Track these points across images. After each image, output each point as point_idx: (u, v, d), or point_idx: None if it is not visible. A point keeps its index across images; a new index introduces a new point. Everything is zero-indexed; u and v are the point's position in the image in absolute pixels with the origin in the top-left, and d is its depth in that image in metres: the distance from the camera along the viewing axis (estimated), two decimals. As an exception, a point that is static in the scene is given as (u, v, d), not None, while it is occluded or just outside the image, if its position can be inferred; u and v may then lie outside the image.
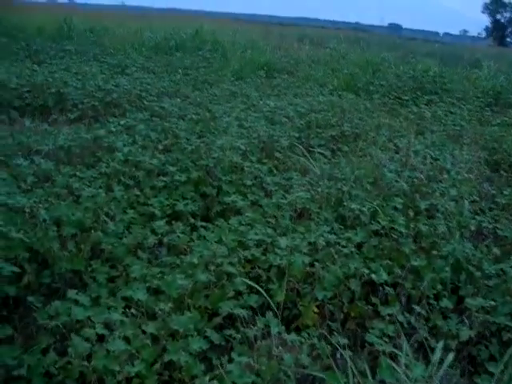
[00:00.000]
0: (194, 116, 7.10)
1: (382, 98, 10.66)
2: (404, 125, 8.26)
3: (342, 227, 4.11)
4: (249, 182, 4.91)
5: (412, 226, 4.17)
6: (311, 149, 6.44)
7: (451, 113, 9.77)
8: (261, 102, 8.63)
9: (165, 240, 3.97)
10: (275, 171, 5.35)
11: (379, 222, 4.16)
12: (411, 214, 4.40)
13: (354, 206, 4.21)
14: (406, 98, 10.93)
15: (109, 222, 3.94)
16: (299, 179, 4.96)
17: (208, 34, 18.16)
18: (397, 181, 4.83)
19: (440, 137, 7.69)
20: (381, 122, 8.17)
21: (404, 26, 56.24)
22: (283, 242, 3.74)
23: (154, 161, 5.05)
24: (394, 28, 56.91)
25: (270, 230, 3.96)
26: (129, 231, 3.97)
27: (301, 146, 6.33)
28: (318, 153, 6.27)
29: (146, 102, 7.95)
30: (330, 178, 5.00)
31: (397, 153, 6.34)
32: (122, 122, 6.26)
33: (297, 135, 6.73)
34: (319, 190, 4.64)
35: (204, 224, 4.30)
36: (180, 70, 11.69)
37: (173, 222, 4.32)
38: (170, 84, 9.81)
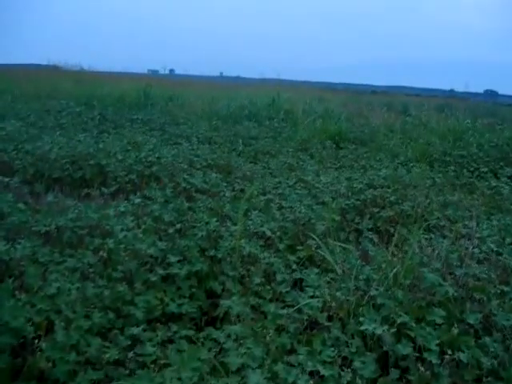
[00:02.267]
0: (227, 194, 6.35)
1: (457, 171, 9.58)
2: (477, 203, 7.17)
3: (353, 351, 3.16)
4: (257, 280, 4.03)
5: (449, 353, 3.13)
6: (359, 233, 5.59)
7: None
8: (315, 177, 7.78)
9: (129, 355, 3.17)
10: (294, 266, 4.43)
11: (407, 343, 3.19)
12: (454, 332, 3.34)
13: (368, 326, 3.23)
14: (485, 169, 9.79)
15: (58, 332, 3.17)
16: (317, 279, 4.02)
17: (285, 103, 17.62)
18: (441, 284, 3.80)
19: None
20: (448, 200, 7.13)
21: (501, 92, 53.73)
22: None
23: (151, 249, 4.29)
24: (490, 94, 54.75)
25: (259, 351, 3.07)
26: (86, 342, 3.19)
27: (347, 230, 5.51)
28: (366, 238, 5.40)
29: (185, 176, 7.27)
30: (360, 276, 4.06)
31: (457, 239, 5.30)
32: (136, 201, 5.56)
33: (340, 217, 5.84)
34: (338, 294, 3.70)
35: (191, 333, 3.50)
36: (241, 141, 11.05)
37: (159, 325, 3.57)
38: (221, 156, 9.12)
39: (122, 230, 4.60)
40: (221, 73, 66.27)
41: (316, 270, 4.20)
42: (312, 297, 3.71)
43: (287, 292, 3.92)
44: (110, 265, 4.20)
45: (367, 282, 3.90)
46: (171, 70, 70.57)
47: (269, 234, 5.00)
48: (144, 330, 3.49)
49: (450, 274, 4.20)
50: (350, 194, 6.91)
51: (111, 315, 3.63)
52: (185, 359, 2.93)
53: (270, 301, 3.84)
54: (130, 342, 3.32)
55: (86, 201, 6.57)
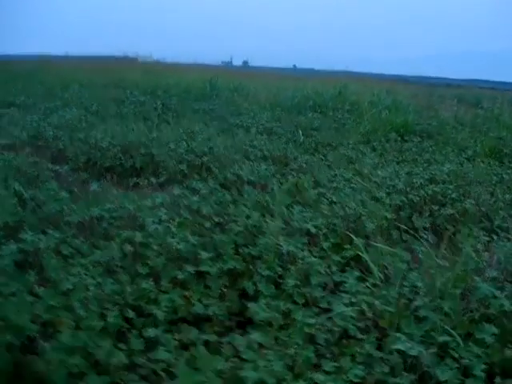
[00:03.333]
0: (275, 187, 6.01)
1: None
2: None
3: (386, 371, 2.76)
4: (291, 282, 3.67)
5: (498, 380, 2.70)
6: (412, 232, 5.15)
7: None
8: (373, 171, 7.34)
9: (141, 360, 2.89)
10: (334, 268, 4.02)
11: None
12: (507, 354, 2.90)
13: (401, 346, 2.81)
14: (561, 167, 9.08)
15: (63, 331, 2.90)
16: (355, 284, 3.61)
17: (352, 94, 17.09)
18: (495, 296, 3.34)
19: None
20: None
21: None
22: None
23: (181, 245, 3.99)
24: None
25: (279, 366, 2.73)
26: (95, 344, 2.92)
27: (402, 228, 5.10)
28: (419, 238, 4.96)
29: (235, 167, 6.96)
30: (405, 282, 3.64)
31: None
32: (176, 192, 5.29)
33: (394, 215, 5.42)
34: (377, 302, 3.30)
35: (214, 338, 3.19)
36: (301, 132, 10.65)
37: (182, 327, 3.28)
38: (278, 147, 8.75)
39: (153, 222, 4.33)
40: (294, 65, 65.80)
41: (357, 274, 3.81)
42: (351, 304, 3.33)
43: (322, 297, 3.55)
44: (136, 260, 3.95)
45: (413, 290, 3.48)
46: (245, 62, 70.61)
47: (313, 231, 4.64)
48: (166, 332, 3.22)
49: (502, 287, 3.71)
50: (408, 189, 6.44)
51: (131, 314, 3.37)
52: (190, 371, 2.61)
53: (303, 306, 3.48)
54: (143, 346, 3.04)
55: (134, 190, 6.41)
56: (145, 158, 7.60)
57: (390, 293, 3.39)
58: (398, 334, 2.91)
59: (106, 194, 5.69)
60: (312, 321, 3.12)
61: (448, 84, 46.20)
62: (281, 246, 4.06)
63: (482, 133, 11.94)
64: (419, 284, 3.47)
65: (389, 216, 5.18)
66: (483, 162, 9.04)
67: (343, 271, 3.96)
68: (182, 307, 3.53)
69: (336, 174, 7.05)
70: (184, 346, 3.12)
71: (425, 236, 5.03)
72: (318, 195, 5.81)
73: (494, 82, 48.26)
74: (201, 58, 33.48)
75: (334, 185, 6.43)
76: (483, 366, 2.73)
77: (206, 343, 3.14)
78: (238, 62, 66.04)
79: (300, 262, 3.95)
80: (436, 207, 6.07)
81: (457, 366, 2.76)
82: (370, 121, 12.38)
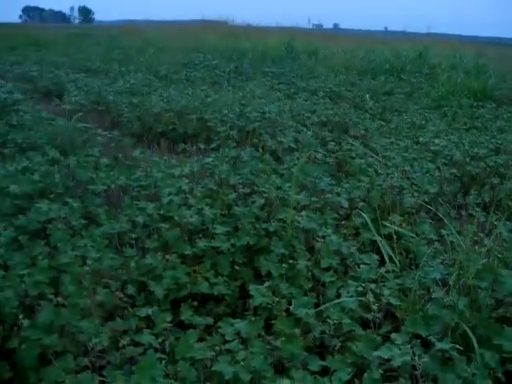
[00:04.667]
0: (319, 155, 5.67)
1: None
2: None
3: (376, 377, 2.43)
4: (302, 264, 3.35)
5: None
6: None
7: None
8: (433, 139, 6.84)
9: (122, 343, 2.69)
10: (353, 248, 3.66)
11: None
12: None
13: (384, 353, 2.45)
14: None
15: (43, 309, 2.74)
16: (367, 270, 3.26)
17: (435, 57, 16.29)
18: None
19: None
20: None
21: None
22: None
23: (194, 218, 3.75)
24: None
25: (259, 361, 2.46)
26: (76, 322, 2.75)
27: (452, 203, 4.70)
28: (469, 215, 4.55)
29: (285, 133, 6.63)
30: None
31: None
32: (208, 160, 5.04)
33: (439, 189, 4.98)
34: (386, 292, 2.96)
35: (209, 321, 2.96)
36: (368, 96, 10.17)
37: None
38: (337, 112, 8.34)
39: (169, 193, 4.11)
40: (385, 27, 64.14)
41: (376, 258, 3.46)
42: (357, 293, 3.00)
43: (332, 282, 3.23)
44: (145, 233, 3.75)
45: (433, 281, 3.09)
46: (335, 25, 69.70)
47: (345, 205, 4.31)
48: (164, 311, 3.03)
49: None
50: (467, 159, 5.95)
51: (132, 290, 3.19)
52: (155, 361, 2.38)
53: (309, 292, 3.19)
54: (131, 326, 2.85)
55: (180, 157, 6.24)
56: (197, 123, 7.39)
57: (405, 282, 3.04)
58: (393, 335, 2.57)
59: (147, 161, 5.50)
60: (304, 312, 2.80)
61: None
62: (299, 222, 3.74)
63: None
64: (436, 275, 3.05)
65: (432, 190, 4.75)
66: None
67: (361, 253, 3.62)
68: (187, 285, 3.31)
69: (392, 142, 6.62)
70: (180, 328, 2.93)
71: (475, 214, 4.58)
72: (366, 165, 5.43)
73: None
74: (291, 21, 32.75)
75: (388, 153, 6.02)
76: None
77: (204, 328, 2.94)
78: (329, 25, 65.07)
79: (320, 240, 3.64)
80: (497, 181, 5.58)
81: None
82: (445, 85, 11.71)
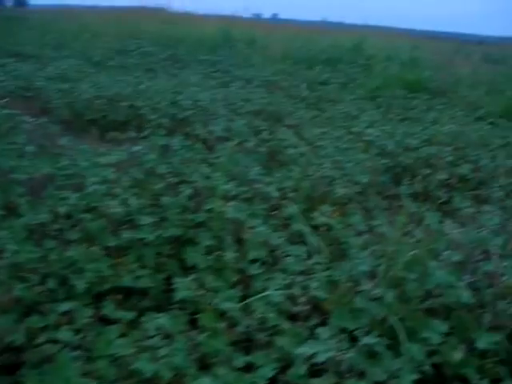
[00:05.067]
0: (250, 144, 5.59)
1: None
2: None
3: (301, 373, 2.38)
4: (229, 255, 3.27)
5: None
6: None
7: None
8: (367, 129, 6.85)
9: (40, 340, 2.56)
10: (282, 240, 3.59)
11: None
12: (456, 357, 2.49)
13: (305, 349, 2.41)
14: None
15: None
16: (296, 262, 3.20)
17: (371, 49, 16.41)
18: (452, 285, 2.88)
19: None
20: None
21: None
22: None
23: (119, 208, 3.63)
24: None
25: (181, 358, 2.37)
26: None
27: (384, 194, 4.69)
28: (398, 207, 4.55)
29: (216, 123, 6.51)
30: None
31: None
32: (136, 148, 4.90)
33: (372, 179, 4.98)
34: (313, 285, 2.91)
35: (131, 316, 2.85)
36: (305, 86, 10.15)
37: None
38: (272, 101, 8.29)
39: (93, 183, 3.96)
40: (324, 18, 64.48)
41: (305, 249, 3.41)
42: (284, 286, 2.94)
43: (259, 274, 3.16)
44: (68, 224, 3.60)
45: (363, 273, 3.05)
46: (274, 15, 69.85)
47: (275, 195, 4.25)
48: (86, 306, 2.90)
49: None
50: (400, 150, 5.99)
51: (52, 284, 3.05)
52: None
53: (234, 285, 3.11)
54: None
55: (112, 145, 6.06)
56: (129, 110, 7.21)
57: (333, 274, 3.00)
58: (318, 330, 2.52)
59: (74, 150, 5.31)
60: (229, 306, 2.73)
61: (480, 41, 44.85)
62: (225, 211, 3.66)
63: (499, 92, 11.28)
64: (364, 267, 3.01)
65: (364, 180, 4.73)
66: (493, 123, 8.52)
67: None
68: (111, 278, 3.19)
69: (325, 132, 6.60)
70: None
71: (407, 204, 4.60)
72: (298, 155, 5.38)
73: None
74: (231, 10, 32.26)
75: (321, 143, 6.00)
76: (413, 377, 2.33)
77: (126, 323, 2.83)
78: (268, 15, 65.31)
79: (248, 231, 3.57)
80: (429, 171, 5.64)
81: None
82: (380, 76, 11.80)
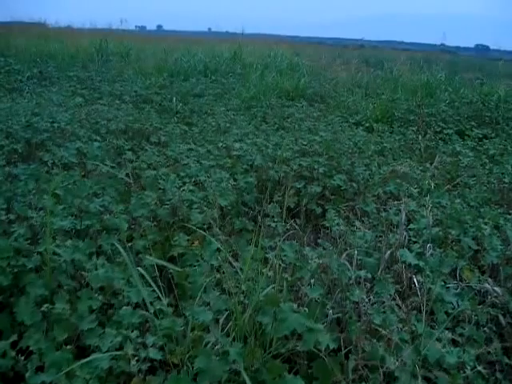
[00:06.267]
0: (104, 169, 5.07)
1: (418, 132, 8.26)
2: (429, 174, 5.86)
3: None
4: (59, 307, 2.75)
5: None
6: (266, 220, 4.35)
7: (509, 153, 7.22)
8: (234, 144, 6.45)
9: None
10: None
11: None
12: None
13: None
14: (450, 131, 8.46)
15: None
16: (133, 312, 2.71)
17: (249, 57, 16.19)
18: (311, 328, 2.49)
19: (477, 197, 5.26)
20: (398, 171, 5.84)
21: (492, 47, 51.57)
22: None
23: None
24: (481, 49, 53.39)
25: None
26: None
27: (249, 215, 4.32)
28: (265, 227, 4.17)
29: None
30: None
31: (390, 230, 4.03)
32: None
33: (238, 199, 4.58)
34: (149, 341, 2.46)
35: None
36: (175, 99, 9.65)
37: None
38: (139, 118, 7.77)
39: None
40: (209, 28, 64.43)
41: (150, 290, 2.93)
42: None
43: (91, 330, 2.66)
44: None
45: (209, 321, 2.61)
46: (159, 26, 69.57)
47: (124, 227, 3.76)
48: None
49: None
50: (270, 164, 5.63)
51: None
52: None
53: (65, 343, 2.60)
54: None
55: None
56: (-24, 135, 6.49)
57: (174, 325, 2.54)
58: None
59: None
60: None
61: (361, 45, 46.17)
62: (60, 254, 3.14)
63: (377, 95, 11.24)
64: (206, 316, 2.56)
65: (224, 203, 4.30)
66: (368, 128, 8.39)
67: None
68: None
69: (191, 148, 6.17)
70: None
71: (272, 225, 4.22)
72: (157, 177, 4.91)
73: (409, 44, 48.80)
74: (113, 23, 31.29)
75: (185, 161, 5.56)
76: None
77: None
78: (153, 27, 64.77)
79: (87, 275, 3.07)
80: (301, 184, 5.32)
81: None
82: (256, 85, 11.51)
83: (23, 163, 5.52)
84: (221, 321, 2.53)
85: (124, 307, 2.68)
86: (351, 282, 2.93)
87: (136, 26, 60.19)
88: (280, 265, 2.91)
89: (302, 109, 9.71)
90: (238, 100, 10.29)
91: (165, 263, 2.84)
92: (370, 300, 2.81)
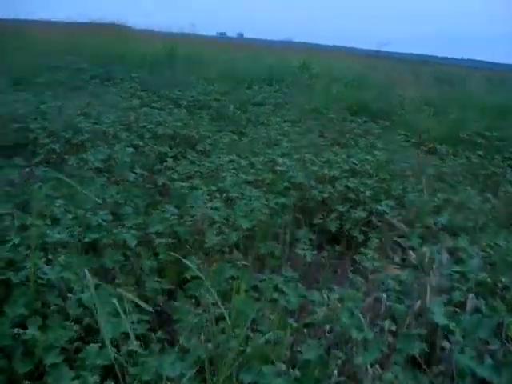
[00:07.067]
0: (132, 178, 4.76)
1: (486, 157, 7.66)
2: (489, 206, 5.31)
3: None
4: (29, 334, 2.43)
5: None
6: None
7: None
8: (281, 158, 6.04)
9: None
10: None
11: None
12: None
13: None
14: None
15: None
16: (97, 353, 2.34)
17: (318, 67, 15.76)
18: None
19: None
20: (454, 200, 5.30)
21: None
22: None
23: None
24: None
25: None
26: None
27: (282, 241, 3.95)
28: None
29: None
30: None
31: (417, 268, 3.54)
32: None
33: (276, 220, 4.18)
34: None
35: None
36: (232, 107, 9.32)
37: None
38: (188, 124, 7.45)
39: None
40: (288, 38, 64.48)
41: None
42: None
43: (57, 365, 2.30)
44: None
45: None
46: (239, 34, 70.23)
47: (132, 244, 3.43)
48: None
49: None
50: (313, 183, 5.21)
51: None
52: None
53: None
54: None
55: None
56: (18, 133, 6.33)
57: (141, 373, 2.17)
58: None
59: None
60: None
61: (425, 61, 44.92)
62: (45, 273, 2.82)
63: (445, 114, 10.58)
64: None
65: (245, 225, 3.88)
66: (430, 149, 7.85)
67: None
68: None
69: (233, 160, 5.81)
70: None
71: (301, 253, 3.81)
72: (187, 190, 4.57)
73: (477, 62, 47.42)
74: (197, 29, 31.41)
75: (223, 174, 5.21)
76: None
77: None
78: (233, 34, 65.62)
79: (72, 296, 2.74)
80: (345, 208, 4.89)
81: None
82: (320, 96, 11.05)
83: (60, 164, 5.33)
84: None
85: (92, 344, 2.32)
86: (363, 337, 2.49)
87: (217, 33, 60.94)
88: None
89: (363, 124, 9.20)
90: (297, 111, 9.85)
91: (138, 301, 2.41)
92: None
